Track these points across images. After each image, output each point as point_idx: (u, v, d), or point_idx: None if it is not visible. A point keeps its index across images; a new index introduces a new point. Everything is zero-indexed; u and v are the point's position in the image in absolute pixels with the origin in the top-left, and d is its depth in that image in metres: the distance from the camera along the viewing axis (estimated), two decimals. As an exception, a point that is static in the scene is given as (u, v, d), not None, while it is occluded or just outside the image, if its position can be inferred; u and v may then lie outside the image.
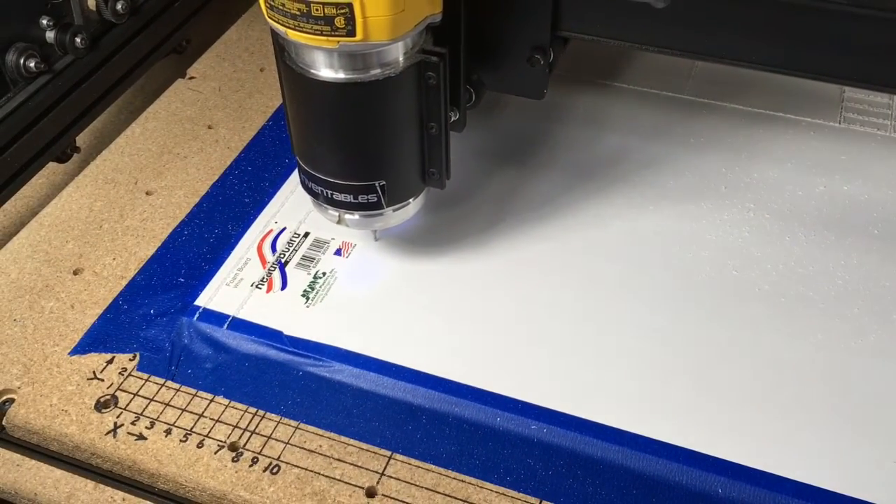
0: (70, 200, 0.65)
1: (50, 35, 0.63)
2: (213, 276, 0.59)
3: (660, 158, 0.66)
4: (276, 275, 0.59)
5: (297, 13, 0.44)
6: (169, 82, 0.76)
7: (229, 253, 0.60)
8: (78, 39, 0.64)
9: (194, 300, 0.57)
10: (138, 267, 0.60)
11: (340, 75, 0.48)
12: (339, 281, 0.58)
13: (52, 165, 0.68)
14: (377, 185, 0.52)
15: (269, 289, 0.58)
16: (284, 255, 0.60)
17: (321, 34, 0.45)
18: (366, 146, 0.51)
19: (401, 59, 0.48)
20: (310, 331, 0.55)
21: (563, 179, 0.65)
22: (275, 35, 0.49)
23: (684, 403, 0.51)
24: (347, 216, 0.54)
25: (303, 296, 0.57)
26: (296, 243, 0.61)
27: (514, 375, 0.52)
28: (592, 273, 0.58)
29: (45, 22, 0.63)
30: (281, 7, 0.44)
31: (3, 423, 0.53)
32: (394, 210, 0.54)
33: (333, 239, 0.61)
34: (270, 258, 0.60)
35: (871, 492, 0.47)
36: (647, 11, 0.49)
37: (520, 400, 0.51)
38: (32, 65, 0.62)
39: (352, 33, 0.44)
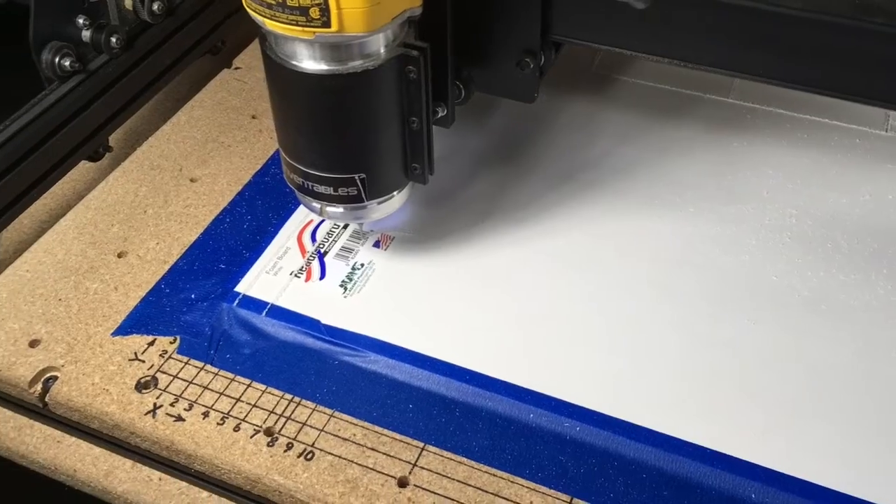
0: (116, 185, 0.66)
1: (86, 34, 0.63)
2: (253, 263, 0.59)
3: (701, 161, 0.66)
4: (315, 264, 0.59)
5: (273, 3, 0.44)
6: (214, 72, 0.77)
7: (270, 241, 0.61)
8: (113, 39, 0.64)
9: (234, 286, 0.58)
10: (181, 252, 0.61)
11: (319, 66, 0.48)
12: (377, 272, 0.59)
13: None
14: (357, 178, 0.52)
15: (308, 278, 0.58)
16: (324, 245, 0.60)
17: (297, 24, 0.45)
18: (345, 139, 0.51)
19: (382, 51, 0.48)
20: (347, 321, 0.56)
21: (602, 178, 0.64)
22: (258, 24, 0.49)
23: (720, 407, 0.51)
24: (330, 208, 0.54)
25: (341, 286, 0.58)
26: (335, 234, 0.61)
27: (548, 372, 0.53)
28: (632, 274, 0.58)
29: (81, 21, 0.63)
30: None
31: (47, 399, 0.54)
32: (377, 203, 0.54)
33: (372, 231, 0.61)
34: (310, 248, 0.60)
35: (908, 504, 0.46)
36: (639, 16, 0.48)
37: (554, 397, 0.51)
38: (67, 64, 0.62)
39: (327, 24, 0.44)
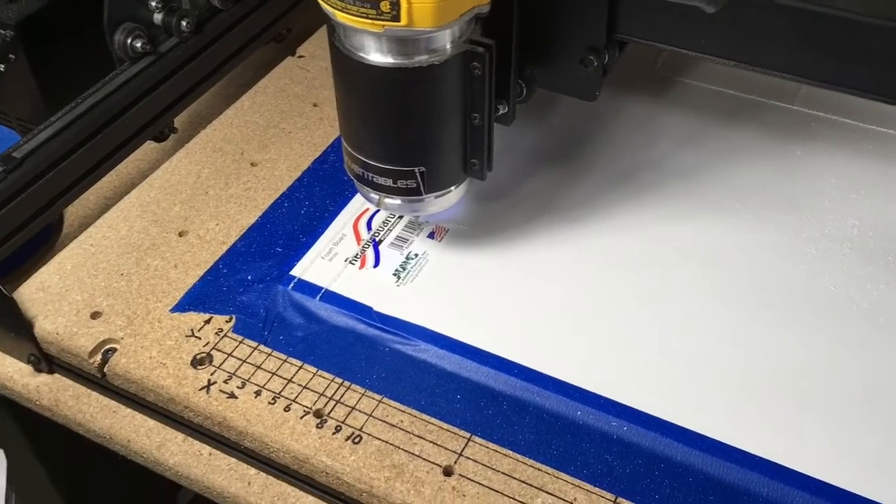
0: (180, 166, 0.68)
1: (157, 17, 0.65)
2: (309, 248, 0.60)
3: (762, 168, 0.65)
4: (370, 252, 0.60)
5: None
6: (278, 60, 0.78)
7: (326, 227, 0.62)
8: (184, 23, 0.65)
9: (290, 270, 0.59)
10: (239, 234, 0.62)
11: (386, 59, 0.48)
12: (430, 263, 0.59)
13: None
14: (417, 171, 0.52)
15: (363, 265, 0.59)
16: (379, 233, 0.61)
17: (367, 17, 0.45)
18: (407, 132, 0.52)
19: (448, 47, 0.49)
20: (399, 309, 0.56)
21: (661, 180, 0.64)
22: (327, 16, 0.49)
23: (771, 415, 0.50)
24: (388, 200, 0.55)
25: (394, 275, 0.58)
26: (391, 223, 0.62)
27: (597, 371, 0.52)
28: (687, 277, 0.58)
29: (154, 4, 0.64)
30: None
31: (105, 370, 0.55)
32: (435, 197, 0.55)
33: (427, 222, 0.62)
34: (365, 235, 0.61)
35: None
36: (707, 17, 0.47)
37: (602, 395, 0.51)
38: (139, 45, 0.63)
39: (396, 18, 0.45)
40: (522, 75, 0.56)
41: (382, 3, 0.45)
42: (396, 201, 0.55)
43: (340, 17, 0.47)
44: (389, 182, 0.53)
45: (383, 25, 0.46)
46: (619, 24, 0.53)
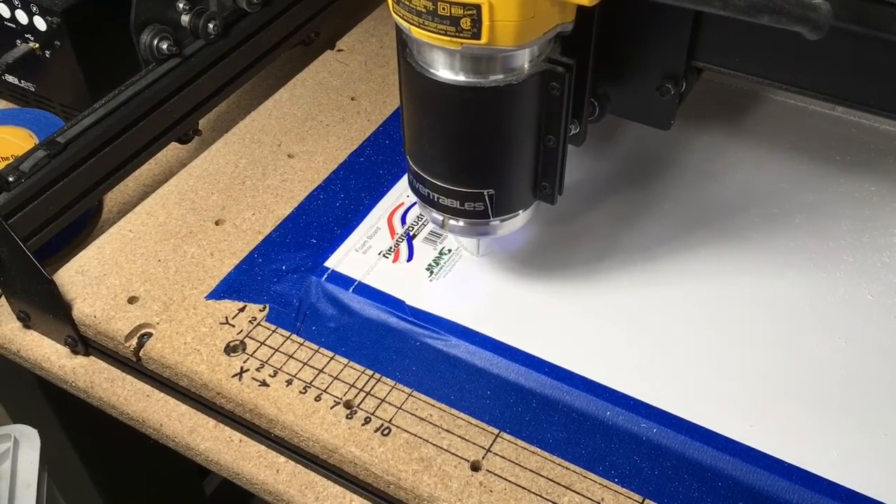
0: (218, 155, 0.68)
1: (185, 19, 0.64)
2: (343, 240, 0.61)
3: (802, 173, 0.64)
4: (404, 246, 0.60)
5: (423, 10, 0.43)
6: (313, 58, 0.78)
7: (361, 220, 0.62)
8: (211, 25, 0.65)
9: (324, 261, 0.59)
10: (275, 224, 0.63)
11: (460, 78, 0.46)
12: (463, 259, 0.59)
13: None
14: (486, 193, 0.51)
15: (396, 259, 0.59)
16: (413, 228, 0.61)
17: (445, 34, 0.43)
18: (478, 153, 0.50)
19: (526, 66, 0.46)
20: (431, 303, 0.56)
21: (720, 190, 0.64)
22: (398, 30, 0.48)
23: (802, 421, 0.50)
24: (452, 222, 0.53)
25: (427, 269, 0.59)
26: (425, 218, 0.62)
27: (628, 371, 0.52)
28: (721, 280, 0.57)
29: (181, 5, 0.64)
30: (407, 3, 0.44)
31: (141, 354, 0.56)
32: (501, 221, 0.53)
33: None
34: (399, 230, 0.61)
35: None
36: (795, 48, 0.44)
37: (632, 397, 0.51)
38: (165, 47, 0.63)
39: (477, 36, 0.43)
40: (595, 93, 0.54)
41: (463, 20, 0.43)
42: (460, 223, 0.53)
43: (416, 32, 0.44)
44: (456, 204, 0.51)
45: (461, 43, 0.43)
46: (699, 50, 0.51)
